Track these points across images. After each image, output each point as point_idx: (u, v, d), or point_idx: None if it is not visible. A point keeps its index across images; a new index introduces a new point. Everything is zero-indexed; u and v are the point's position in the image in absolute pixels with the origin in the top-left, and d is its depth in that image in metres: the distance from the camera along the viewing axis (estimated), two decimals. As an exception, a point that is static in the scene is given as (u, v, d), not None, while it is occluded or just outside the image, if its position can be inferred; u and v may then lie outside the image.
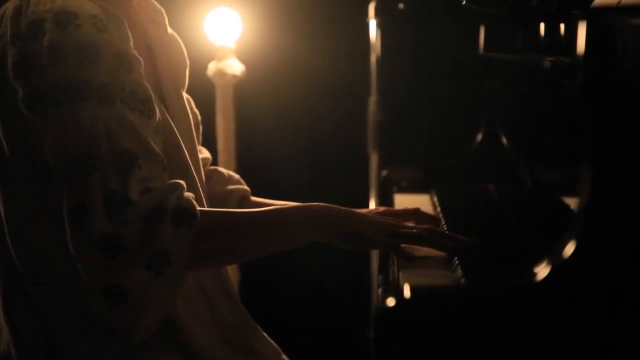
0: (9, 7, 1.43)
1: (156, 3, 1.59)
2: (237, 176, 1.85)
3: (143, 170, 1.37)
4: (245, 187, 1.82)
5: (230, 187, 1.80)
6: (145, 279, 1.34)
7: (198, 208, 1.40)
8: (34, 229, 1.45)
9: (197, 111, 1.72)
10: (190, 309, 1.53)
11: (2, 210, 1.47)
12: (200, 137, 1.73)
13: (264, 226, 1.48)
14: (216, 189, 1.78)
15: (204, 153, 1.80)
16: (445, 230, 1.69)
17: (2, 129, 1.43)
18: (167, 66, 1.59)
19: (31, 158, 1.41)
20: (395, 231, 1.51)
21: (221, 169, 1.85)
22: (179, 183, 1.40)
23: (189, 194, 1.41)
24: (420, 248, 1.55)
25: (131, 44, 1.43)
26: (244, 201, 1.80)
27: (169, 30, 1.61)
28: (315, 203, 1.51)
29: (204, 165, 1.76)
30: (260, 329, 1.67)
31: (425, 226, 1.57)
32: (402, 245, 1.52)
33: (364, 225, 1.50)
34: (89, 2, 1.42)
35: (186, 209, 1.38)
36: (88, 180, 1.34)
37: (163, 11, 1.58)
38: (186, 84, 1.65)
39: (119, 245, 1.33)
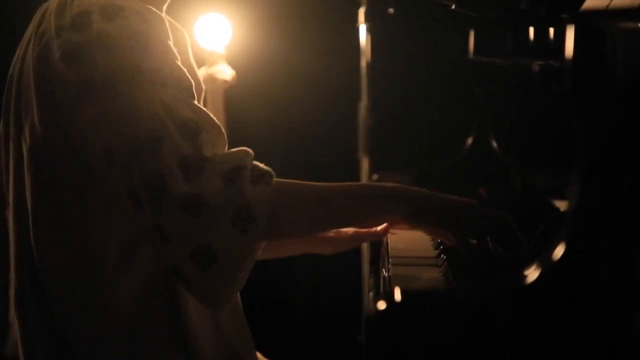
0: (52, 4, 1.44)
1: (179, 25, 1.60)
2: None
3: (210, 136, 1.39)
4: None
5: None
6: (233, 235, 1.34)
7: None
8: (63, 224, 1.45)
9: None
10: (199, 314, 1.52)
11: (30, 204, 1.46)
12: None
13: (343, 197, 1.48)
14: None
15: None
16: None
17: (43, 121, 1.42)
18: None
19: (73, 149, 1.41)
20: (475, 217, 1.49)
21: None
22: (248, 150, 1.41)
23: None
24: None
25: (171, 38, 1.45)
26: None
27: (191, 54, 1.61)
28: (400, 187, 1.51)
29: None
30: (253, 343, 1.66)
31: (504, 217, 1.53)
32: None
33: (445, 203, 1.49)
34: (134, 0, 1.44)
35: (262, 169, 1.40)
36: (159, 151, 1.35)
37: (186, 33, 1.59)
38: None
39: (201, 202, 1.33)
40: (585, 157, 1.28)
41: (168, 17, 1.52)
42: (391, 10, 2.54)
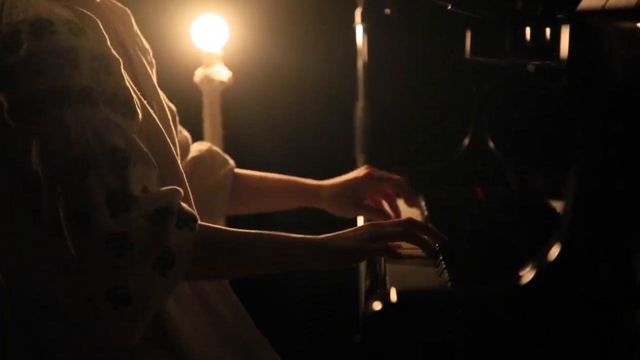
0: None
1: (119, 4, 1.60)
2: (219, 154, 1.86)
3: (138, 168, 1.38)
4: (232, 163, 1.85)
5: (221, 174, 1.81)
6: (150, 278, 1.35)
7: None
8: (22, 243, 1.44)
9: (171, 105, 1.73)
10: (181, 307, 1.52)
11: None
12: (178, 128, 1.76)
13: (262, 247, 1.49)
14: (205, 180, 1.80)
15: (183, 132, 1.83)
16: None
17: None
18: (141, 63, 1.59)
19: (19, 171, 1.40)
20: (378, 233, 1.52)
21: (200, 149, 1.86)
22: (177, 189, 1.41)
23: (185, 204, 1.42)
24: (407, 246, 1.57)
25: (108, 44, 1.43)
26: (236, 179, 1.83)
27: (136, 29, 1.61)
28: (305, 236, 1.52)
29: (185, 146, 1.80)
30: (255, 327, 1.66)
31: (405, 219, 1.58)
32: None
33: (345, 242, 1.50)
34: (61, 7, 1.42)
35: (188, 213, 1.40)
36: (86, 181, 1.34)
37: (128, 11, 1.59)
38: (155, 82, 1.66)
39: (126, 243, 1.33)
40: (581, 157, 1.28)
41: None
42: (388, 10, 2.53)
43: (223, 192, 1.80)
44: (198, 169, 1.84)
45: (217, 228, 1.48)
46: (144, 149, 1.41)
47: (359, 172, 1.91)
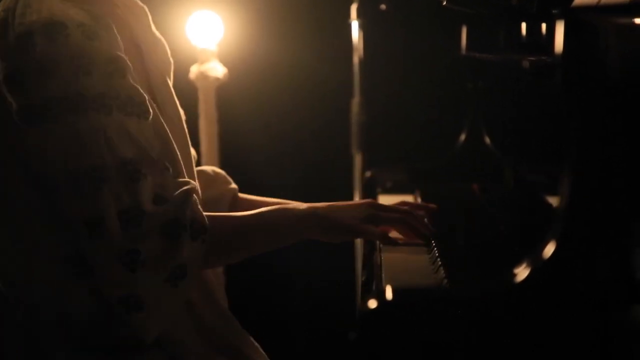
0: None
1: (139, 1, 1.58)
2: (222, 173, 1.86)
3: (148, 180, 1.39)
4: (234, 186, 1.84)
5: (223, 188, 1.81)
6: (163, 291, 1.37)
7: (206, 218, 1.43)
8: (24, 244, 1.44)
9: (181, 110, 1.72)
10: None
11: None
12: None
13: (262, 231, 1.53)
14: (207, 192, 1.79)
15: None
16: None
17: None
18: (156, 63, 1.58)
19: (24, 172, 1.40)
20: (375, 216, 1.55)
21: (205, 168, 1.85)
22: (188, 191, 1.42)
23: (196, 199, 1.43)
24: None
25: (121, 47, 1.43)
26: (234, 201, 1.82)
27: (153, 28, 1.60)
28: (300, 204, 1.57)
29: None
30: (247, 333, 1.66)
31: (404, 208, 1.62)
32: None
33: (343, 214, 1.54)
34: (75, 8, 1.41)
35: (200, 223, 1.41)
36: (99, 194, 1.35)
37: (146, 9, 1.58)
38: (171, 84, 1.65)
39: (138, 259, 1.35)
40: (576, 153, 1.27)
41: None
42: (383, 6, 2.53)
43: (222, 207, 1.78)
44: (200, 180, 1.82)
45: (220, 222, 1.48)
46: (154, 155, 1.41)
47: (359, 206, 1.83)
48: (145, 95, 1.43)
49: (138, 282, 1.35)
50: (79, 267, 1.39)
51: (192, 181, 1.46)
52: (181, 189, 1.42)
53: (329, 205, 1.56)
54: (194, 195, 1.44)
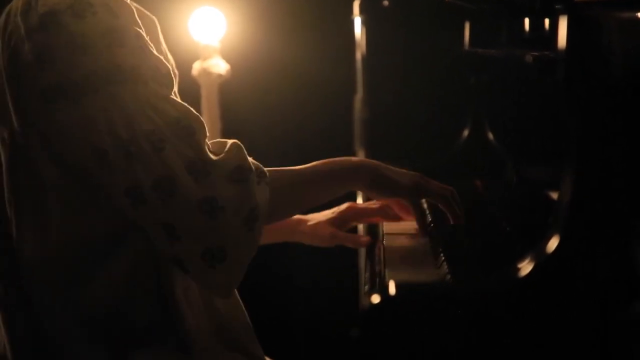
0: (15, 4, 1.42)
1: (148, 12, 1.59)
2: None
3: (200, 133, 1.41)
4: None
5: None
6: (242, 235, 1.40)
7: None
8: (44, 224, 1.44)
9: None
10: (188, 298, 1.53)
11: (10, 211, 1.46)
12: None
13: (316, 180, 1.58)
14: None
15: None
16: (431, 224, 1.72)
17: (20, 124, 1.41)
18: None
19: (51, 150, 1.41)
20: (422, 185, 1.61)
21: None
22: (236, 143, 1.45)
23: None
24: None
25: (142, 29, 1.44)
26: None
27: (162, 41, 1.60)
28: (359, 162, 1.66)
29: None
30: (253, 331, 1.66)
31: (450, 189, 1.64)
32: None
33: (394, 172, 1.61)
34: None
35: (261, 169, 1.45)
36: (162, 154, 1.37)
37: (156, 21, 1.58)
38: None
39: (217, 205, 1.38)
40: (579, 149, 1.27)
41: (135, 4, 1.51)
42: (386, 2, 2.53)
43: None
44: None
45: (279, 174, 1.52)
46: (193, 110, 1.44)
47: (340, 208, 1.87)
48: (168, 65, 1.45)
49: (220, 230, 1.38)
50: (106, 253, 1.43)
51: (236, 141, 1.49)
52: (230, 142, 1.46)
53: (379, 163, 1.61)
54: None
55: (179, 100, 1.45)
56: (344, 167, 1.60)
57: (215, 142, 1.47)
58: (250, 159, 1.45)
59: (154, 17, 1.58)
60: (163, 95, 1.41)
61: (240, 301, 1.64)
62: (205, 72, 2.85)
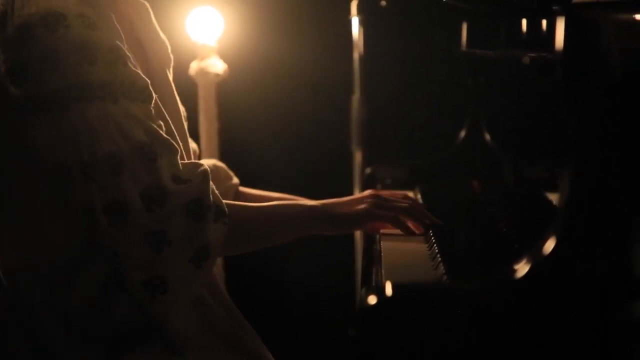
0: None
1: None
2: (223, 167, 1.86)
3: (165, 159, 1.40)
4: (236, 180, 1.86)
5: (226, 184, 1.82)
6: (187, 271, 1.39)
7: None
8: (29, 236, 1.45)
9: (182, 106, 1.73)
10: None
11: None
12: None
13: (276, 222, 1.55)
14: None
15: (192, 144, 1.81)
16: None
17: None
18: (156, 58, 1.59)
19: (30, 163, 1.41)
20: (379, 204, 1.58)
21: (205, 161, 1.85)
22: (205, 171, 1.43)
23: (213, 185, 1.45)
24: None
25: (121, 37, 1.43)
26: (237, 196, 1.83)
27: (155, 25, 1.60)
28: (307, 200, 1.63)
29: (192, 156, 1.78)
30: (250, 326, 1.66)
31: (407, 204, 1.63)
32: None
33: (350, 207, 1.57)
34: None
35: (220, 205, 1.43)
36: (119, 178, 1.36)
37: (147, 5, 1.58)
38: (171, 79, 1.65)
39: (164, 239, 1.36)
40: (577, 150, 1.27)
41: None
42: (383, 2, 2.53)
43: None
44: None
45: (237, 209, 1.50)
46: (164, 135, 1.42)
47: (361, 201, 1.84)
48: (146, 80, 1.43)
49: (164, 263, 1.36)
50: (85, 256, 1.41)
51: (203, 163, 1.47)
52: (199, 169, 1.44)
53: (335, 201, 1.59)
54: (209, 175, 1.44)
55: (154, 114, 1.43)
56: (301, 214, 1.57)
57: (188, 164, 1.45)
58: (212, 192, 1.43)
59: (145, 2, 1.57)
60: (132, 114, 1.39)
61: (230, 300, 1.64)
62: (203, 72, 2.85)
